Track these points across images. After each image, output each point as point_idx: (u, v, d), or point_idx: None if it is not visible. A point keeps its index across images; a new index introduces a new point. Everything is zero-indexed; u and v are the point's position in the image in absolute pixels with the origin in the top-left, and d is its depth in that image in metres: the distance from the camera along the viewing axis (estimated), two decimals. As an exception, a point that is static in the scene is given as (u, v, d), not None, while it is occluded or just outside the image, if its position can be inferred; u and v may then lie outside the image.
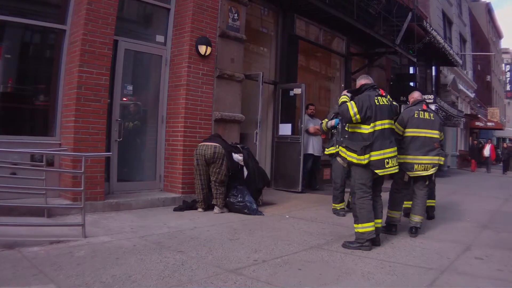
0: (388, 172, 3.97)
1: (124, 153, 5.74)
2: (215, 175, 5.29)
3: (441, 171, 11.71)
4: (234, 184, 5.49)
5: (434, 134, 4.49)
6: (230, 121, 6.58)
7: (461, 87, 20.77)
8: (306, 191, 7.62)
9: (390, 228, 4.53)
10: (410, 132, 4.47)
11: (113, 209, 5.08)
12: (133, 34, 5.91)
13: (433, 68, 16.50)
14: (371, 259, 3.53)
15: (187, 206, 5.49)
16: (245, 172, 5.60)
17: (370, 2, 10.30)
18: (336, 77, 10.82)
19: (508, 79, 37.80)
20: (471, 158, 20.50)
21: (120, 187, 5.64)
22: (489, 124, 25.44)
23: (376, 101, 3.92)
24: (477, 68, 26.28)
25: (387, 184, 4.67)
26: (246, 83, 7.08)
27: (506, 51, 39.90)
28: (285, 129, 7.88)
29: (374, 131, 3.87)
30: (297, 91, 7.84)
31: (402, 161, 4.35)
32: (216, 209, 5.34)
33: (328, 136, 6.23)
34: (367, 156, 3.84)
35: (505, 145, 24.55)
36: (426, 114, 4.54)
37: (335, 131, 5.70)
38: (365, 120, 3.88)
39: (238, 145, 5.85)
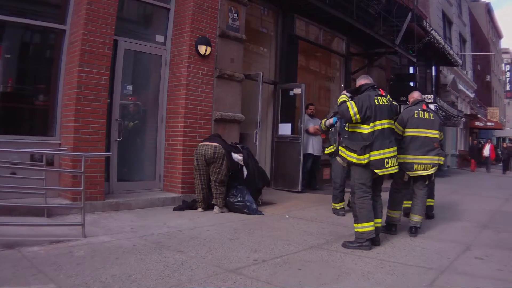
0: (388, 172, 3.98)
1: (124, 153, 5.74)
2: (215, 175, 5.29)
3: (441, 171, 11.73)
4: (234, 184, 5.50)
5: (434, 134, 4.50)
6: (230, 121, 6.58)
7: (461, 87, 20.76)
8: (306, 191, 7.62)
9: (390, 228, 4.54)
10: (410, 132, 4.48)
11: (113, 208, 5.09)
12: (133, 34, 5.91)
13: (433, 68, 16.49)
14: (371, 259, 3.53)
15: (187, 206, 5.50)
16: (245, 172, 5.60)
17: (370, 2, 10.30)
18: (336, 77, 10.82)
19: (508, 79, 37.83)
20: (471, 158, 20.50)
21: (120, 187, 5.64)
22: (488, 124, 25.44)
23: (376, 101, 3.92)
24: (477, 68, 26.29)
25: (387, 184, 4.67)
26: (246, 83, 7.08)
27: (506, 51, 39.87)
28: (285, 129, 7.88)
29: (374, 131, 3.88)
30: (297, 91, 7.84)
31: (402, 161, 4.35)
32: (216, 209, 5.35)
33: (327, 136, 6.24)
34: (366, 156, 3.85)
35: (504, 145, 24.58)
36: (426, 114, 4.55)
37: (333, 129, 5.71)
38: (364, 120, 3.88)
39: (238, 145, 5.86)
